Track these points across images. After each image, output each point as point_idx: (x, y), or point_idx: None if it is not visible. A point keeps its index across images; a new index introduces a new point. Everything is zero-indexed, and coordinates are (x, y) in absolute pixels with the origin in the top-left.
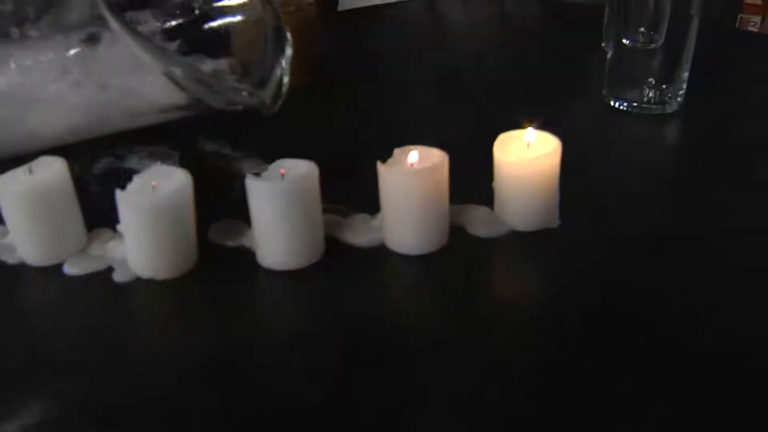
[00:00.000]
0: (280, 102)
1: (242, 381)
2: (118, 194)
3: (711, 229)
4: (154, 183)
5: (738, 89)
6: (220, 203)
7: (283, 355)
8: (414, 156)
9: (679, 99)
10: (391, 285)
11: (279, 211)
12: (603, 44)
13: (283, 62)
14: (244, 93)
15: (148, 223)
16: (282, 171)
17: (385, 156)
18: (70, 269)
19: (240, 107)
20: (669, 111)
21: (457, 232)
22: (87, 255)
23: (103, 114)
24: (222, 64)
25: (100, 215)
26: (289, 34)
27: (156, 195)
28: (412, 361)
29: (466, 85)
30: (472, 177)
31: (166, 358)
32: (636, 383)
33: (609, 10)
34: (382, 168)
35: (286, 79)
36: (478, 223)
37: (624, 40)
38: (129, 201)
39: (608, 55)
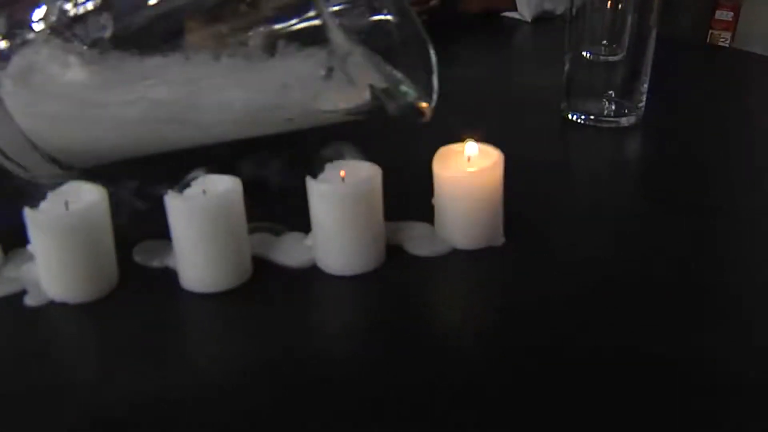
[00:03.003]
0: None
1: (161, 419)
2: (27, 212)
3: (662, 251)
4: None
5: (703, 105)
6: (147, 222)
7: (202, 388)
8: (344, 170)
9: (638, 112)
10: (320, 309)
11: (198, 230)
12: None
13: (433, 68)
14: (412, 98)
15: (59, 243)
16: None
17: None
18: None
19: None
20: (627, 124)
21: (395, 251)
22: (1, 277)
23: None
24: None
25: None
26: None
27: (67, 213)
28: (344, 390)
29: None
30: (412, 193)
31: (70, 395)
32: (580, 407)
33: (567, 21)
34: (310, 183)
35: (435, 85)
36: (418, 241)
37: (583, 53)
38: (37, 220)
39: (565, 68)
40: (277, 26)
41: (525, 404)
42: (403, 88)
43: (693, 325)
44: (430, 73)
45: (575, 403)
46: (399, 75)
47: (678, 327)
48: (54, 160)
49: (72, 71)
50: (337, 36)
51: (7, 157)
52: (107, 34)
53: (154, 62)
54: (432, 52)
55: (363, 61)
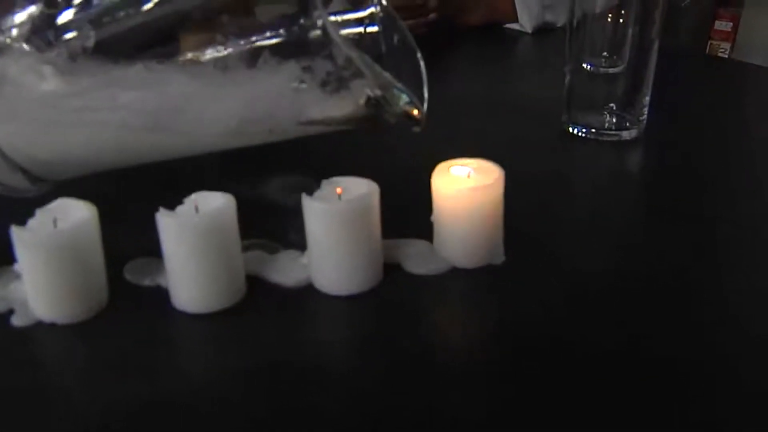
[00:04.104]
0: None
1: None
2: (14, 230)
3: (664, 264)
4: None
5: (703, 116)
6: (139, 239)
7: (194, 405)
8: (341, 187)
9: (640, 125)
10: (316, 329)
11: (190, 248)
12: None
13: (423, 77)
14: (408, 104)
15: (47, 262)
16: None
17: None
18: None
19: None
20: (629, 137)
21: (392, 269)
22: None
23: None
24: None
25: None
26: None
27: (55, 231)
28: (341, 410)
29: None
30: (410, 210)
31: (60, 413)
32: (581, 423)
33: (567, 33)
34: (306, 201)
35: (426, 94)
36: (416, 259)
37: (584, 65)
38: (24, 238)
39: (566, 80)
40: (269, 35)
41: (527, 421)
42: (399, 93)
43: (693, 334)
44: (420, 82)
45: (576, 418)
46: (394, 80)
47: (679, 336)
48: (24, 172)
49: (45, 80)
50: (336, 42)
51: None
52: (90, 43)
53: (130, 70)
54: (421, 61)
55: (362, 67)
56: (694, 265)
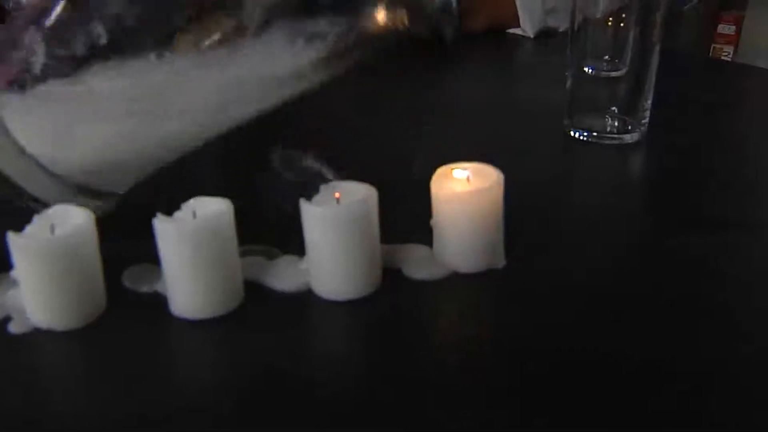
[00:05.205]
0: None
1: None
2: (10, 236)
3: (666, 270)
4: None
5: (706, 120)
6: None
7: (192, 414)
8: (339, 192)
9: (642, 129)
10: (315, 335)
11: (188, 254)
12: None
13: None
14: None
15: (44, 268)
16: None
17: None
18: None
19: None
20: (632, 141)
21: (391, 274)
22: None
23: None
24: None
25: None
26: None
27: (53, 237)
28: (339, 417)
29: (407, 111)
30: (410, 214)
31: (56, 422)
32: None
33: (569, 36)
34: (303, 206)
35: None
36: (415, 264)
37: (586, 68)
38: (20, 244)
39: (567, 84)
40: None
41: (529, 427)
42: None
43: (693, 339)
44: None
45: (579, 424)
46: None
47: (683, 342)
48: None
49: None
50: None
51: (35, 199)
52: (102, 41)
53: (143, 62)
54: None
55: None
56: (698, 269)
